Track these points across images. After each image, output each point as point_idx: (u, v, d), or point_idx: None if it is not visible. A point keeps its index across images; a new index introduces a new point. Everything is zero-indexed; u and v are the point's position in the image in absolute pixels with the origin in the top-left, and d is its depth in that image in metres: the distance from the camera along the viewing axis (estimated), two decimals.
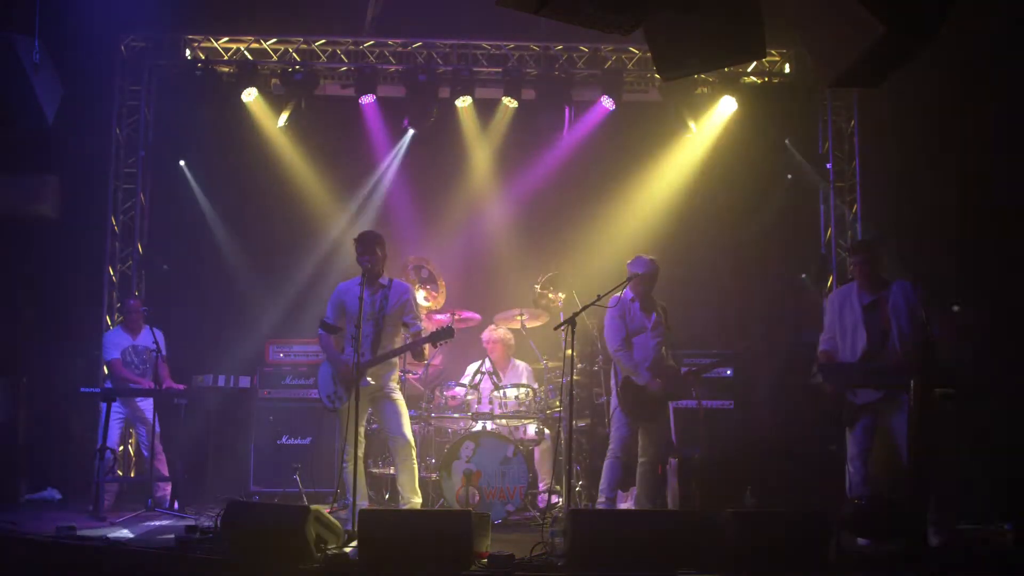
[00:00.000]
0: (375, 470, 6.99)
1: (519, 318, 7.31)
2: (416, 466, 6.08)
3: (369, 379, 5.89)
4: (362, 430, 6.07)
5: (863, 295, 5.63)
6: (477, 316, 7.56)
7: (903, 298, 5.52)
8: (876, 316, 5.54)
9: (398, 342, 6.08)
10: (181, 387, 7.29)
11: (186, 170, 8.48)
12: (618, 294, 6.08)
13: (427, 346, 6.01)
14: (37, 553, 5.10)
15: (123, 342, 7.40)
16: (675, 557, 4.60)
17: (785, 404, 7.38)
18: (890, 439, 5.52)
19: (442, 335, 5.91)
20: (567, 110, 8.40)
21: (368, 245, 5.98)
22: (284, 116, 8.34)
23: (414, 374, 7.26)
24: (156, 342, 7.12)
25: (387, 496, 6.83)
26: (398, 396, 6.10)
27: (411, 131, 8.62)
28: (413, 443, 6.06)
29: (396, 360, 6.17)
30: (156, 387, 7.02)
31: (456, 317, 7.38)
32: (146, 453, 7.18)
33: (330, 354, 6.09)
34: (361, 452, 6.02)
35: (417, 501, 6.02)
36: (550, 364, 7.19)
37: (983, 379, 5.86)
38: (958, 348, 6.56)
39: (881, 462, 5.64)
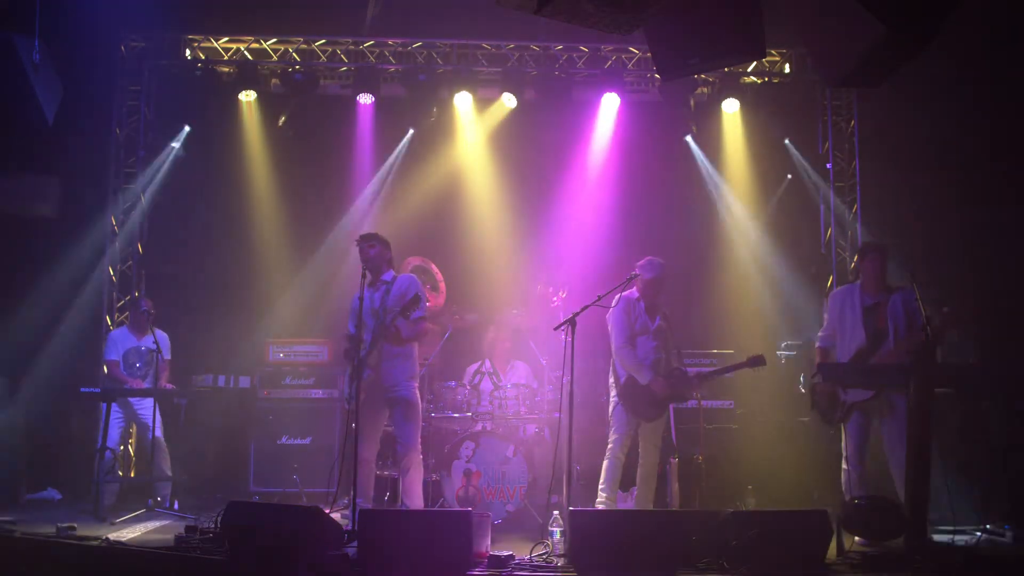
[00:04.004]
0: (376, 471, 6.98)
1: (519, 318, 7.31)
2: (417, 478, 5.95)
3: (370, 370, 5.85)
4: (371, 429, 5.99)
5: (866, 297, 5.76)
6: (477, 316, 7.56)
7: (903, 303, 5.63)
8: (874, 318, 5.68)
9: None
10: (170, 387, 7.28)
11: (185, 169, 8.47)
12: (621, 293, 6.08)
13: (404, 329, 5.83)
14: (37, 553, 5.10)
15: (127, 343, 7.41)
16: (675, 557, 4.60)
17: (785, 404, 7.38)
18: (882, 439, 5.60)
19: (410, 305, 5.74)
20: (566, 111, 8.40)
21: (369, 242, 6.00)
22: (284, 116, 8.34)
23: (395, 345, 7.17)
24: (156, 342, 7.14)
25: (387, 496, 6.83)
26: (413, 399, 5.97)
27: (411, 131, 8.62)
28: (417, 455, 5.97)
29: (410, 354, 6.01)
30: (153, 388, 7.03)
31: (456, 317, 7.38)
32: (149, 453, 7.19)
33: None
34: (368, 452, 5.97)
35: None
36: (550, 364, 7.19)
37: (983, 378, 5.86)
38: (959, 348, 6.58)
39: (874, 460, 5.69)
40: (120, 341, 7.44)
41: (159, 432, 7.17)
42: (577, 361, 5.69)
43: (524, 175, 8.63)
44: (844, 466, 5.68)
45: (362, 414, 5.65)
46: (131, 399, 7.21)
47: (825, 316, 6.04)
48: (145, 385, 7.15)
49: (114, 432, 7.17)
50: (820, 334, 6.00)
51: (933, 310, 5.17)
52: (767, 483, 6.87)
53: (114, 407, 7.14)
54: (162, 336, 7.48)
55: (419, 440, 6.00)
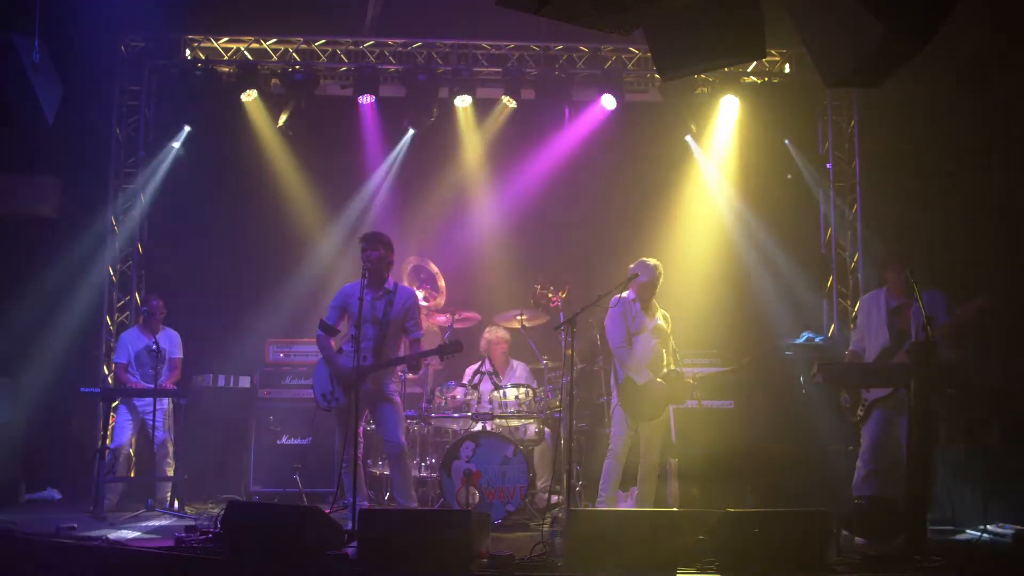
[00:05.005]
0: (375, 470, 6.99)
1: (519, 318, 7.31)
2: (410, 470, 5.98)
3: (369, 383, 5.84)
4: (360, 430, 6.02)
5: (891, 299, 5.96)
6: (477, 316, 7.56)
7: (926, 304, 5.63)
8: (899, 319, 5.87)
9: (400, 347, 6.04)
10: (173, 388, 7.28)
11: (185, 169, 8.47)
12: (618, 294, 6.11)
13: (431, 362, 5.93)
14: (37, 553, 5.10)
15: (138, 343, 7.40)
16: (675, 557, 4.60)
17: (785, 404, 7.38)
18: (897, 437, 5.66)
19: (450, 349, 5.80)
20: (566, 111, 8.41)
21: (373, 243, 5.89)
22: (284, 116, 8.35)
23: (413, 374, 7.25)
24: (156, 342, 7.13)
25: (387, 496, 6.83)
26: (397, 400, 5.99)
27: (411, 131, 8.63)
28: (406, 448, 5.98)
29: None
30: (152, 388, 7.03)
31: (456, 317, 7.38)
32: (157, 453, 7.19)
33: (327, 354, 5.98)
34: (360, 452, 5.99)
35: (413, 505, 5.98)
36: (550, 364, 7.19)
37: (983, 378, 5.86)
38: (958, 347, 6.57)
39: (890, 460, 5.75)
40: (130, 343, 7.44)
41: (163, 433, 7.17)
42: (577, 361, 5.69)
43: (524, 175, 8.63)
44: (858, 463, 5.80)
45: (350, 417, 5.64)
46: (136, 400, 7.20)
47: (858, 322, 6.28)
48: (155, 385, 7.15)
49: (125, 434, 7.17)
50: (853, 337, 6.25)
51: (955, 308, 5.29)
52: (767, 483, 6.86)
53: (123, 411, 7.16)
54: (173, 335, 7.49)
55: (404, 434, 6.02)
